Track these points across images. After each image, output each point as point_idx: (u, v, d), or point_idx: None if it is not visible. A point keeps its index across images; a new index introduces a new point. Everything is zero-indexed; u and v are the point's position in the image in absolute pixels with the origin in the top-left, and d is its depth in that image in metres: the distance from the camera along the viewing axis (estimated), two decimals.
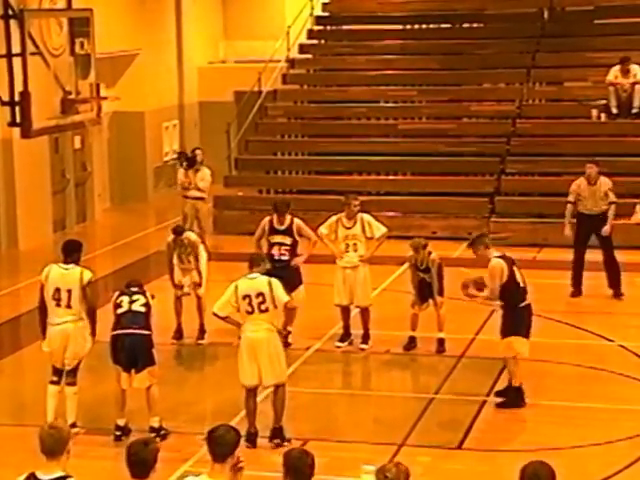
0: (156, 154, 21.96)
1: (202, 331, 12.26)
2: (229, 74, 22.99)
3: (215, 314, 9.40)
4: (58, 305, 9.55)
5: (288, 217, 11.90)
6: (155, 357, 9.49)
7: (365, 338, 11.95)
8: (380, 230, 11.91)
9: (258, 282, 9.26)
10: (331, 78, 21.50)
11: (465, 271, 14.79)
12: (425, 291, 11.74)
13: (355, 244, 11.83)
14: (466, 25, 22.10)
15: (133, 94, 20.32)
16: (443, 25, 22.01)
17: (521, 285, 10.13)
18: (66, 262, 9.75)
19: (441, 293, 11.73)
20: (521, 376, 10.16)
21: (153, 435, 9.16)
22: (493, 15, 21.74)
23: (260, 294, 9.18)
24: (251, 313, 9.19)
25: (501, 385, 10.43)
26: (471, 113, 19.72)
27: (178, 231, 12.15)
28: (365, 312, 11.95)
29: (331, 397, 10.89)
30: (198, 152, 16.63)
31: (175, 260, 12.13)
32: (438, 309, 11.74)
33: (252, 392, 9.34)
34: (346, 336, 12.06)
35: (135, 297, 9.54)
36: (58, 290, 9.57)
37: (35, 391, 10.34)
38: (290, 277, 11.23)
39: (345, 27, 22.69)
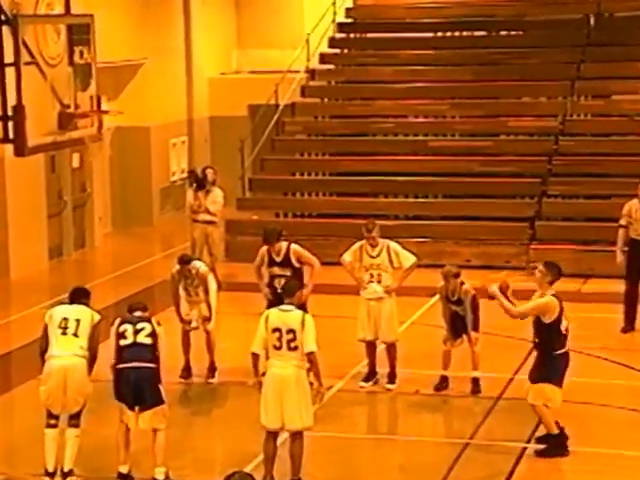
0: (162, 174, 22.07)
1: (212, 369, 12.26)
2: (243, 86, 23.11)
3: (254, 353, 9.29)
4: (64, 333, 9.45)
5: (283, 245, 11.78)
6: (164, 395, 9.45)
7: (391, 377, 11.92)
8: (409, 260, 11.89)
9: (292, 317, 9.21)
10: (355, 91, 21.57)
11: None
12: (458, 326, 11.70)
13: (379, 274, 11.81)
14: (504, 33, 22.17)
15: (137, 108, 20.45)
16: (478, 33, 22.08)
17: (564, 331, 10.10)
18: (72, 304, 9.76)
19: (476, 328, 11.68)
20: (560, 421, 10.08)
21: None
22: (534, 22, 21.78)
23: (291, 331, 9.13)
24: (279, 349, 9.16)
25: (543, 430, 10.35)
26: (509, 129, 19.72)
27: (185, 260, 12.16)
28: (391, 348, 11.92)
29: (354, 442, 10.85)
30: (209, 172, 16.68)
31: (181, 292, 12.14)
32: (472, 345, 11.69)
33: (273, 436, 9.29)
34: (371, 375, 12.03)
35: (140, 325, 9.46)
36: (66, 319, 9.53)
37: (28, 436, 10.36)
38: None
39: (370, 35, 22.79)
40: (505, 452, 10.22)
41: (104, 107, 12.67)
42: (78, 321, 9.52)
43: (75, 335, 9.47)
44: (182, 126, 22.77)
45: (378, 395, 11.82)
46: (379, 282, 11.82)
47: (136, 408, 9.38)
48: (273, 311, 9.34)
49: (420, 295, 13.99)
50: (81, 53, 11.61)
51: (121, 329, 9.47)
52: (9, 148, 11.61)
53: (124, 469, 9.43)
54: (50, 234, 18.72)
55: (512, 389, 11.72)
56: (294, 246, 11.83)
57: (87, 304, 9.81)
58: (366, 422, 11.91)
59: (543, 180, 18.41)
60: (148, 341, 9.37)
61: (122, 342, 9.40)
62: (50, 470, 9.43)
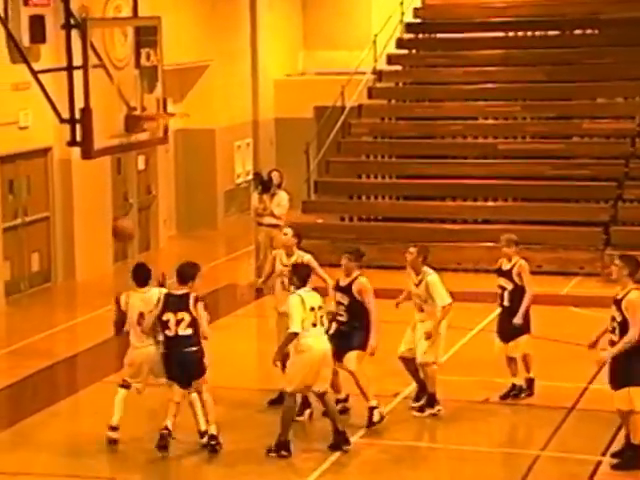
0: (227, 176, 22.20)
1: (306, 405, 11.10)
2: (309, 88, 23.17)
3: (296, 333, 10.15)
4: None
5: (356, 272, 11.00)
6: (206, 366, 10.38)
7: (427, 400, 11.39)
8: (443, 301, 11.13)
9: (318, 296, 10.44)
10: (423, 92, 21.52)
11: (575, 310, 14.63)
12: (505, 321, 11.60)
13: (420, 305, 11.31)
14: (578, 32, 21.97)
15: (203, 110, 20.61)
16: (551, 32, 21.92)
17: None
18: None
19: (524, 319, 11.51)
20: None
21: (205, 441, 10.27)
22: (609, 20, 21.55)
23: (321, 307, 10.34)
24: (316, 325, 10.25)
25: (618, 445, 10.19)
26: (583, 132, 19.55)
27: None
28: (424, 368, 11.32)
29: (419, 451, 10.82)
30: (275, 174, 16.76)
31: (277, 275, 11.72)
32: (517, 346, 11.55)
33: (295, 397, 10.32)
34: (422, 393, 11.45)
35: (180, 316, 10.24)
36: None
37: (91, 439, 10.46)
38: (346, 343, 10.89)
39: (439, 35, 22.73)
40: (579, 465, 10.09)
41: (170, 109, 12.82)
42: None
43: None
44: (247, 128, 22.87)
45: (446, 403, 11.72)
46: (422, 311, 11.29)
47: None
48: (303, 293, 10.26)
49: (487, 301, 13.88)
50: (148, 55, 11.75)
51: (164, 317, 10.25)
52: (76, 151, 11.79)
53: (169, 425, 10.29)
54: None
55: (586, 399, 11.60)
56: (363, 279, 10.99)
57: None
58: (432, 431, 11.81)
59: (619, 184, 18.22)
60: (189, 332, 10.23)
61: (167, 332, 10.29)
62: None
